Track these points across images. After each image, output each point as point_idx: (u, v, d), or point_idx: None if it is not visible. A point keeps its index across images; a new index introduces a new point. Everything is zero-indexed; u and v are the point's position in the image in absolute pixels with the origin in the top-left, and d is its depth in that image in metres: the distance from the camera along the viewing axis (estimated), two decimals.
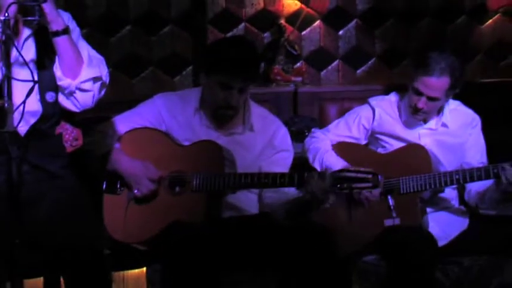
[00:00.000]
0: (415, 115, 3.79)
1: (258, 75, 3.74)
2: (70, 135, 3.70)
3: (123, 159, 3.54)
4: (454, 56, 3.71)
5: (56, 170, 3.15)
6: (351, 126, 3.93)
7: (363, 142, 3.95)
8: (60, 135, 3.46)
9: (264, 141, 3.65)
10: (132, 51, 4.92)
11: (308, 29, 5.17)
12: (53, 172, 3.13)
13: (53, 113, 3.12)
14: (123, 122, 3.65)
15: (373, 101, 3.96)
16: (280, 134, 3.69)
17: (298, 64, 5.13)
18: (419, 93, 3.71)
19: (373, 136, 3.93)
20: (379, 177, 3.26)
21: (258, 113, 3.70)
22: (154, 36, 4.96)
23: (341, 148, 3.86)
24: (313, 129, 4.09)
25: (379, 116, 3.90)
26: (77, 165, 3.35)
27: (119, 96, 4.39)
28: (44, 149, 3.10)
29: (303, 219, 3.51)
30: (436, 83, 3.67)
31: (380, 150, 3.91)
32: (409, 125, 3.86)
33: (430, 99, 3.71)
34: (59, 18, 2.98)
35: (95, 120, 3.75)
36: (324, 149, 3.87)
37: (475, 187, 3.81)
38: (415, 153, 3.74)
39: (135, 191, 3.49)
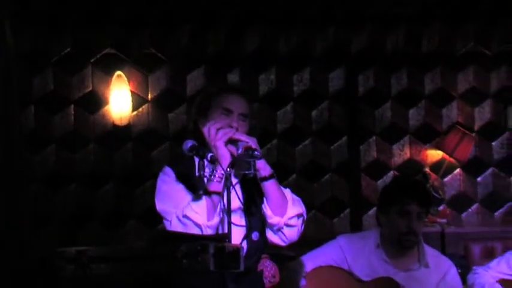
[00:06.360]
0: None
1: (431, 202, 4.24)
2: (269, 272, 3.91)
3: None
4: None
5: None
6: None
7: None
8: (261, 271, 3.73)
9: (438, 278, 4.07)
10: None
11: (449, 176, 5.74)
12: None
13: (255, 251, 3.47)
14: (310, 261, 4.13)
15: None
16: (452, 272, 4.11)
17: (441, 207, 5.65)
18: None
19: None
20: None
21: (431, 252, 4.15)
22: (316, 183, 5.59)
23: (508, 286, 4.16)
24: (474, 267, 4.39)
25: None
26: None
27: None
28: (247, 284, 3.41)
29: None
30: None
31: None
32: None
33: None
34: (266, 166, 3.32)
35: (287, 257, 4.29)
36: (489, 283, 4.19)
37: None
38: None
39: None
